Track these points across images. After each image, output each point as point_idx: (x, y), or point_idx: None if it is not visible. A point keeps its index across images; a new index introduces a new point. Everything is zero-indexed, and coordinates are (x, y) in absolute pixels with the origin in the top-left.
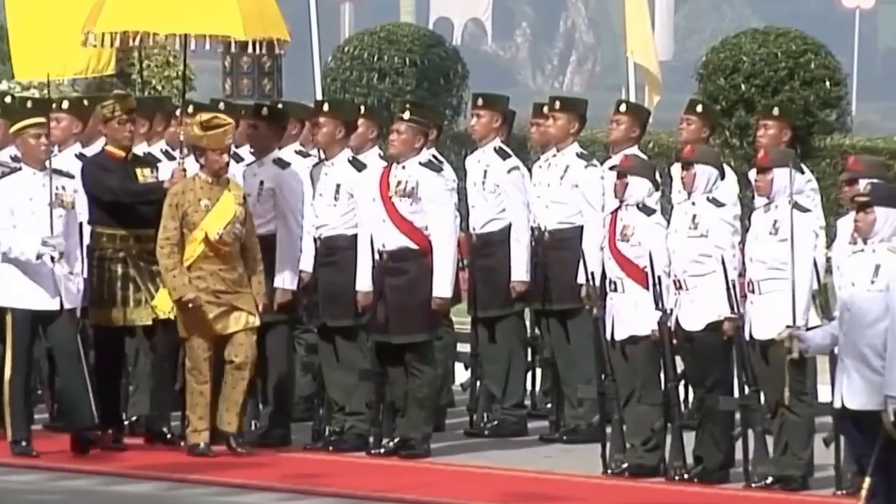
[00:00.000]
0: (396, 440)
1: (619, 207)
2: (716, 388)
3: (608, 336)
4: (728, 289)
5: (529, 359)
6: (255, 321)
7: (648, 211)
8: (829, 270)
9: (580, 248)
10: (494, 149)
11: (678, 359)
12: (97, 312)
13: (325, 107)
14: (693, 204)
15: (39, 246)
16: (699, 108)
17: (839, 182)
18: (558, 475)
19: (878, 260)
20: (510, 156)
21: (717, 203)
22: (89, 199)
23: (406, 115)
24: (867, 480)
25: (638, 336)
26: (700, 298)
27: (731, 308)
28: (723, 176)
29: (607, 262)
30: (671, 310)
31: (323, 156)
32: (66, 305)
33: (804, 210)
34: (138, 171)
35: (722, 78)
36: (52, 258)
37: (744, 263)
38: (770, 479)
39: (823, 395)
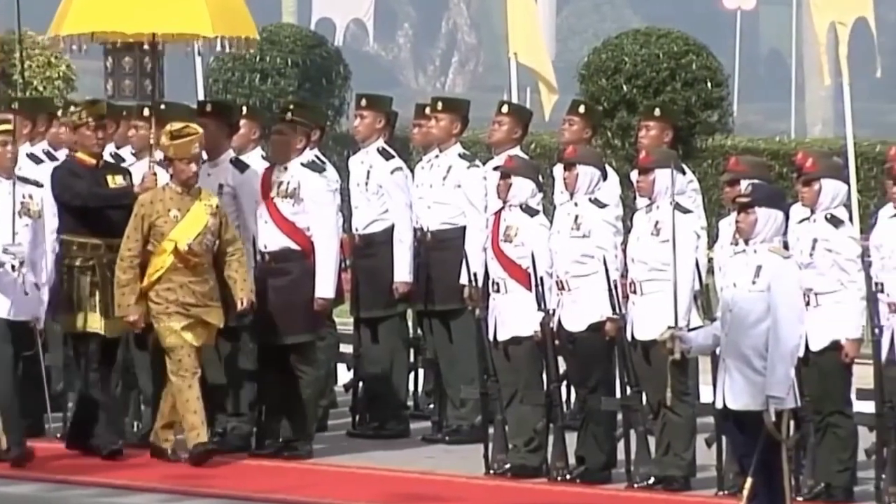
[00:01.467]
0: (279, 441)
1: (502, 208)
2: (598, 388)
3: (491, 336)
4: (610, 289)
5: (412, 359)
6: (211, 339)
7: (531, 212)
8: (710, 271)
9: (463, 248)
10: (377, 149)
11: (560, 359)
12: (67, 319)
13: (208, 108)
14: (575, 205)
15: (0, 254)
16: (581, 109)
17: (721, 183)
18: (441, 476)
19: (759, 260)
20: (393, 156)
21: (600, 204)
22: (59, 207)
23: (288, 116)
24: (749, 481)
25: (520, 337)
26: (582, 299)
27: (613, 308)
28: (605, 177)
29: (490, 263)
30: (553, 310)
31: (206, 157)
32: (24, 317)
33: (686, 211)
34: (109, 177)
35: (604, 79)
36: (13, 266)
37: (626, 264)
38: (652, 480)
39: (705, 395)
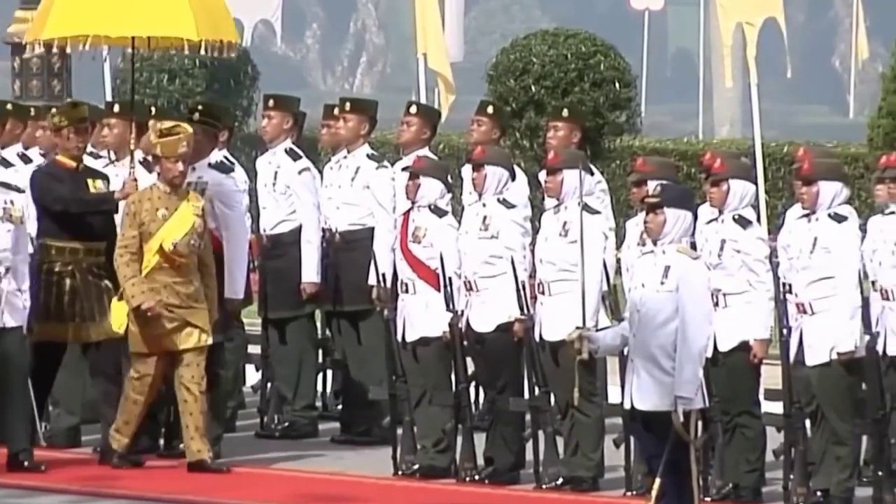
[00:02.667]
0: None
1: (411, 209)
2: (506, 389)
3: (399, 337)
4: (518, 290)
5: (320, 360)
6: (208, 339)
7: (440, 212)
8: (618, 272)
9: (371, 249)
10: (285, 150)
11: (469, 360)
12: (42, 327)
13: (116, 108)
14: (484, 205)
15: None
16: (489, 110)
17: (628, 183)
18: (349, 476)
19: (667, 261)
20: (301, 157)
21: (508, 204)
22: (38, 211)
23: (196, 117)
24: (657, 481)
25: (429, 337)
26: (490, 300)
27: (522, 309)
28: (513, 177)
29: (399, 264)
30: (462, 311)
31: (114, 157)
32: (12, 323)
33: (594, 212)
34: (90, 181)
35: (512, 79)
36: None
37: (534, 265)
38: (560, 480)
39: (613, 395)
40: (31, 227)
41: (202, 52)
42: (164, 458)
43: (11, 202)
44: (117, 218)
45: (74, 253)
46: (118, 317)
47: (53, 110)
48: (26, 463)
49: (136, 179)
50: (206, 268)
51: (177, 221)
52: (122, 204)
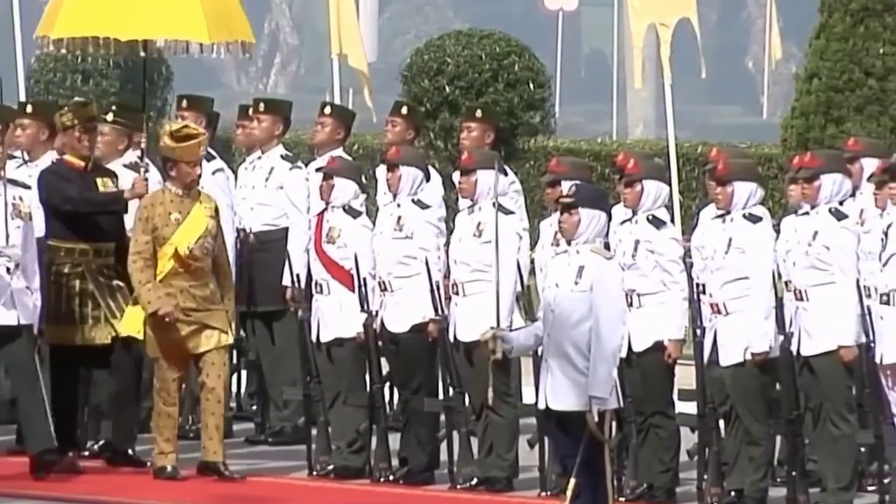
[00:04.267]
0: (101, 443)
1: (325, 209)
2: (421, 389)
3: (314, 338)
4: (432, 290)
5: (235, 361)
6: (228, 339)
7: (354, 213)
8: (532, 272)
9: (285, 249)
10: None
11: (383, 360)
12: (54, 330)
13: (29, 108)
14: (398, 206)
15: None
16: (404, 111)
17: (542, 184)
18: (264, 477)
19: (581, 261)
20: (214, 157)
21: (422, 205)
22: (46, 211)
23: (110, 117)
24: (572, 481)
25: (343, 338)
26: (405, 300)
27: (436, 310)
28: (428, 178)
29: (313, 264)
30: (376, 311)
31: (27, 158)
32: (23, 321)
33: (508, 212)
34: (99, 181)
35: (426, 80)
36: (7, 269)
37: (448, 265)
38: (475, 481)
39: (528, 396)
40: (39, 229)
41: (214, 53)
42: (81, 458)
43: (20, 198)
44: (127, 218)
45: (84, 254)
46: (135, 322)
47: (63, 110)
48: (54, 464)
49: (146, 179)
50: (221, 268)
51: (190, 225)
52: (131, 204)
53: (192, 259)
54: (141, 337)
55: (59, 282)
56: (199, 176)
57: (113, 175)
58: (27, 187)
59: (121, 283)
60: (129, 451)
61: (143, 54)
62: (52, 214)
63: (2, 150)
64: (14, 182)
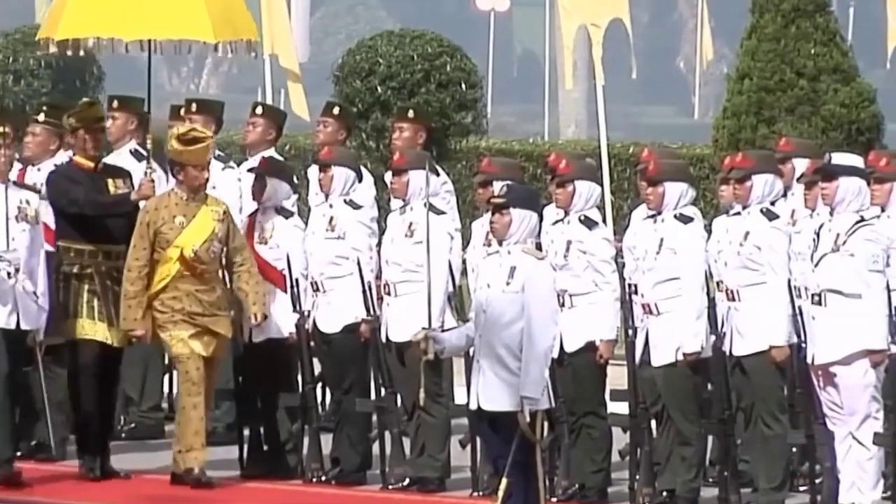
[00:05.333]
0: (33, 444)
1: (257, 210)
2: (353, 389)
3: (246, 338)
4: (364, 291)
5: (166, 362)
6: (226, 351)
7: (286, 213)
8: (464, 272)
9: None
10: (130, 151)
11: (315, 361)
12: (66, 326)
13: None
14: (330, 206)
15: None
16: (335, 111)
17: (474, 184)
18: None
19: (513, 261)
20: (145, 158)
21: (354, 205)
22: (55, 213)
23: (41, 118)
24: (503, 481)
25: (276, 339)
26: (337, 300)
27: (368, 310)
28: (360, 178)
29: None
30: (309, 312)
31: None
32: (24, 326)
33: (439, 212)
34: (109, 181)
35: (358, 80)
36: (8, 273)
37: (380, 266)
38: (407, 481)
39: (460, 396)
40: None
41: (220, 52)
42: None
43: (27, 201)
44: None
45: (93, 256)
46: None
47: (70, 111)
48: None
49: (153, 180)
50: (242, 264)
51: (196, 228)
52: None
53: (198, 262)
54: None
55: (67, 283)
56: (207, 179)
57: (125, 175)
58: (36, 191)
59: None
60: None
61: (147, 53)
62: (61, 216)
63: (8, 152)
64: (23, 185)
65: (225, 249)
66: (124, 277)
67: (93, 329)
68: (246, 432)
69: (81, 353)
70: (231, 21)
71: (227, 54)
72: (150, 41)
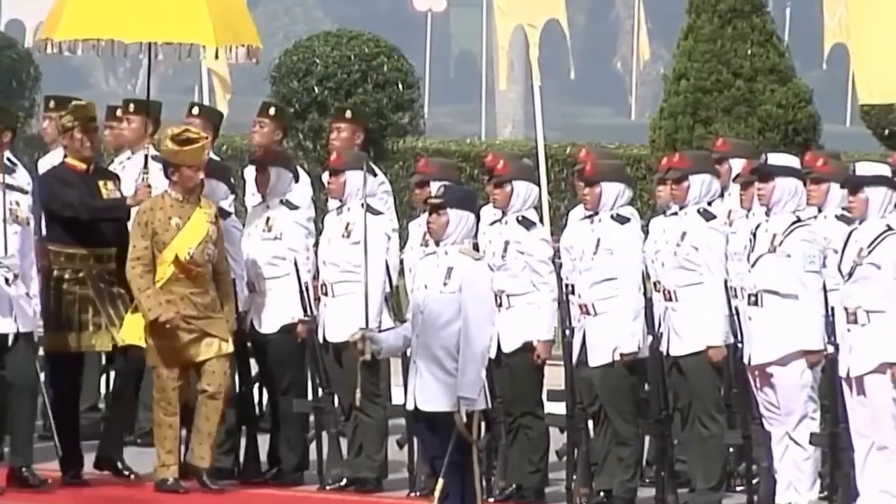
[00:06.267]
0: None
1: None
2: (290, 390)
3: None
4: (301, 291)
5: (103, 362)
6: (228, 348)
7: (223, 214)
8: (401, 273)
9: None
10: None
11: (253, 361)
12: (53, 337)
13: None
14: (267, 207)
15: None
16: (272, 111)
17: (411, 184)
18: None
19: (450, 262)
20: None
21: (291, 206)
22: (46, 216)
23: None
24: (440, 482)
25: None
26: (274, 301)
27: (305, 310)
28: (296, 178)
29: None
30: (246, 312)
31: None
32: (22, 329)
33: (376, 213)
34: (101, 184)
35: (295, 80)
36: (7, 280)
37: (317, 266)
38: (344, 481)
39: (397, 396)
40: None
41: (222, 57)
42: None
43: (17, 203)
44: (130, 224)
45: (84, 260)
46: (135, 329)
47: (62, 112)
48: (30, 479)
49: (149, 186)
50: (221, 275)
51: (191, 230)
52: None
53: (193, 265)
54: (143, 344)
55: (58, 288)
56: (202, 181)
57: (116, 178)
58: (24, 192)
59: (121, 290)
60: (118, 463)
61: (146, 57)
62: (53, 219)
63: (1, 155)
64: (10, 187)
65: (217, 252)
66: (129, 275)
67: (88, 339)
68: (183, 432)
69: (71, 365)
70: (233, 25)
71: (229, 59)
72: (149, 44)
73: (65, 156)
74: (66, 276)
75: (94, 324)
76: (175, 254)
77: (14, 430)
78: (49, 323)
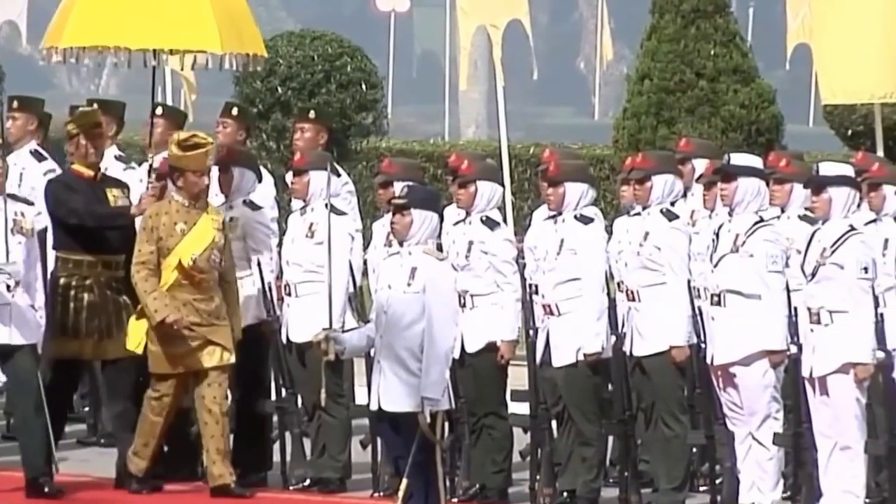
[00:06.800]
0: None
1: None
2: (253, 390)
3: None
4: (265, 292)
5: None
6: (231, 358)
7: (254, 207)
8: (365, 273)
9: None
10: (30, 151)
11: None
12: (59, 344)
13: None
14: (230, 207)
15: None
16: (235, 112)
17: (375, 185)
18: (94, 478)
19: (414, 262)
20: (46, 158)
21: (254, 206)
22: (53, 223)
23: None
24: (404, 482)
25: None
26: (240, 302)
27: (268, 311)
28: (260, 179)
29: None
30: None
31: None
32: (23, 341)
33: (340, 213)
34: (108, 191)
35: (258, 81)
36: (8, 286)
37: (281, 266)
38: (308, 482)
39: (360, 397)
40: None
41: (226, 65)
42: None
43: (22, 213)
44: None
45: (92, 266)
46: (136, 336)
47: (68, 118)
48: (47, 489)
49: (153, 194)
50: (228, 284)
51: (196, 236)
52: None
53: (197, 271)
54: (139, 352)
55: (66, 294)
56: (208, 186)
57: (123, 185)
58: (29, 203)
59: (127, 300)
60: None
61: (154, 64)
62: (59, 226)
63: (3, 163)
64: (15, 197)
65: (222, 259)
66: (135, 278)
67: (86, 347)
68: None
69: (70, 371)
70: (239, 33)
71: (233, 67)
72: (155, 51)
73: (71, 162)
74: (74, 282)
75: (98, 332)
76: (178, 259)
77: (26, 441)
78: (55, 329)
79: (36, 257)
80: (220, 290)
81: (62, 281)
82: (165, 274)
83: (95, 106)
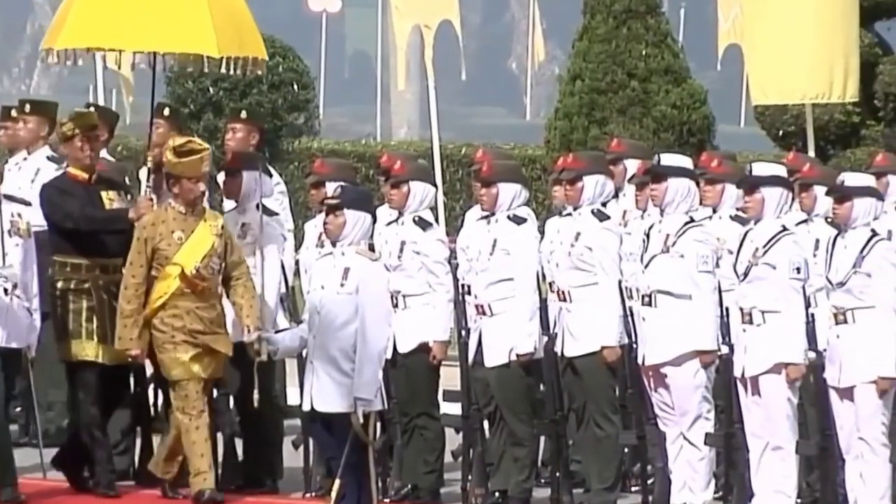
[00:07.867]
0: None
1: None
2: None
3: None
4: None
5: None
6: (220, 373)
7: (269, 213)
8: (297, 273)
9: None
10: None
11: (147, 363)
12: (64, 347)
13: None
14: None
15: None
16: (166, 112)
17: (307, 185)
18: (28, 479)
19: (347, 263)
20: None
21: (269, 212)
22: (49, 226)
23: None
24: (337, 482)
25: None
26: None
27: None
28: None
29: None
30: None
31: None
32: (14, 344)
33: (272, 213)
34: (104, 194)
35: (190, 81)
36: (5, 290)
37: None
38: (241, 483)
39: (293, 397)
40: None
41: (225, 69)
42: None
43: (18, 215)
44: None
45: (90, 270)
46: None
47: (63, 119)
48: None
49: (151, 199)
50: (240, 279)
51: (195, 244)
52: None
53: (199, 279)
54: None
55: (64, 298)
56: (203, 193)
57: (119, 188)
58: (27, 203)
59: None
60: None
61: (153, 66)
62: (55, 230)
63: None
64: (12, 198)
65: (224, 264)
66: (121, 296)
67: (93, 350)
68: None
69: (81, 374)
70: (238, 37)
71: (233, 70)
72: (152, 54)
73: (66, 165)
74: (72, 286)
75: (99, 335)
76: (181, 268)
77: None
78: (60, 332)
79: (33, 259)
80: (228, 294)
81: (60, 285)
82: (167, 282)
83: (92, 109)
